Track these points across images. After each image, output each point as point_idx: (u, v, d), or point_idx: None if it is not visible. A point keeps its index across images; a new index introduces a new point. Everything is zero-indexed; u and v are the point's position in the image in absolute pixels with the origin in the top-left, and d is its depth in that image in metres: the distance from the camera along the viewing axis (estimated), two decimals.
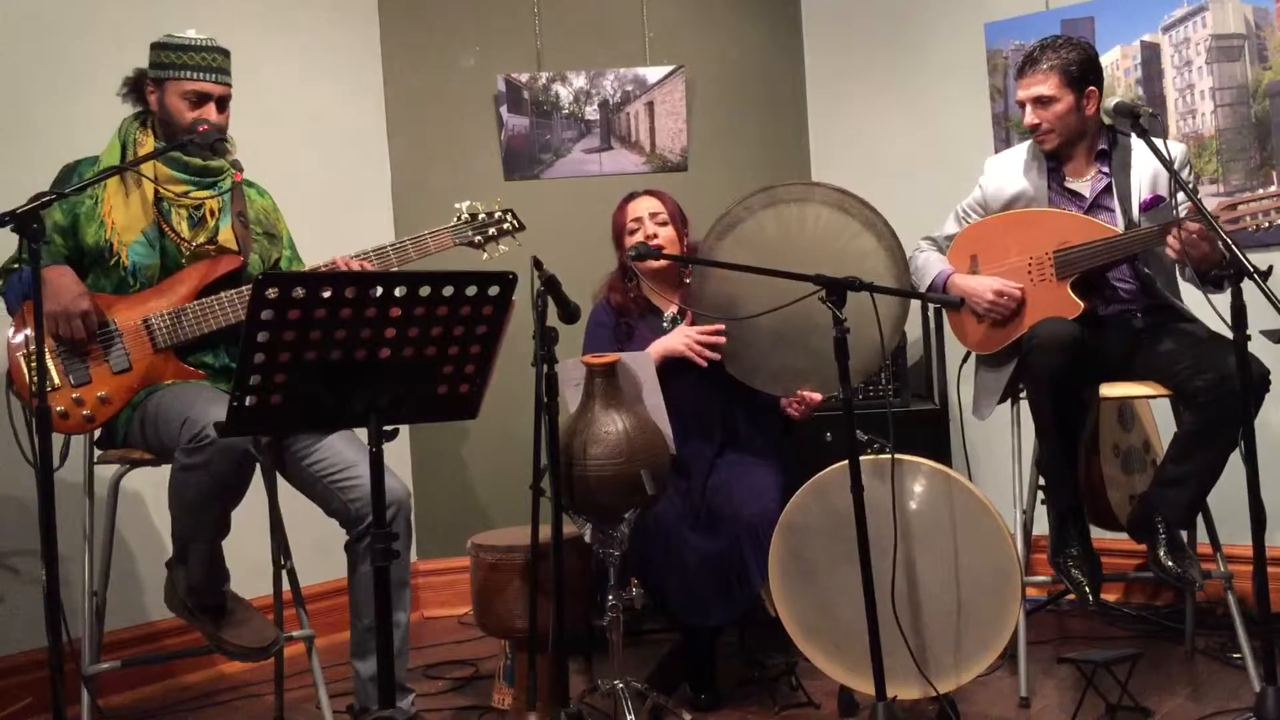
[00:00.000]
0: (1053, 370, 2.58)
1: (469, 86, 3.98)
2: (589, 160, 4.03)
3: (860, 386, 3.51)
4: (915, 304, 3.51)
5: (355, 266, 2.53)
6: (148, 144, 2.54)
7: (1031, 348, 2.60)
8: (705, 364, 2.82)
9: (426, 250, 2.63)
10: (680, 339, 2.84)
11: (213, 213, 2.58)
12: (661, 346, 2.85)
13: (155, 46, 2.55)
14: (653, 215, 3.00)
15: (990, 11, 3.83)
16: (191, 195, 2.55)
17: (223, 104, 2.56)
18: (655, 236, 2.96)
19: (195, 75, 2.51)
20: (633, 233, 3.01)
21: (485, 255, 2.70)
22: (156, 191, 2.52)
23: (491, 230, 2.71)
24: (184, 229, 2.54)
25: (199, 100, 2.52)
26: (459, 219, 2.70)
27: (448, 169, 3.96)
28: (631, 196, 3.08)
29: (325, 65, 3.80)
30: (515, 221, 2.75)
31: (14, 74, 3.02)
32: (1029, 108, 2.78)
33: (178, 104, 2.52)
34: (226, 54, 2.57)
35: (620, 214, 3.07)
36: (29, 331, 2.34)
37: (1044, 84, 2.74)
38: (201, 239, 2.55)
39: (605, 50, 4.05)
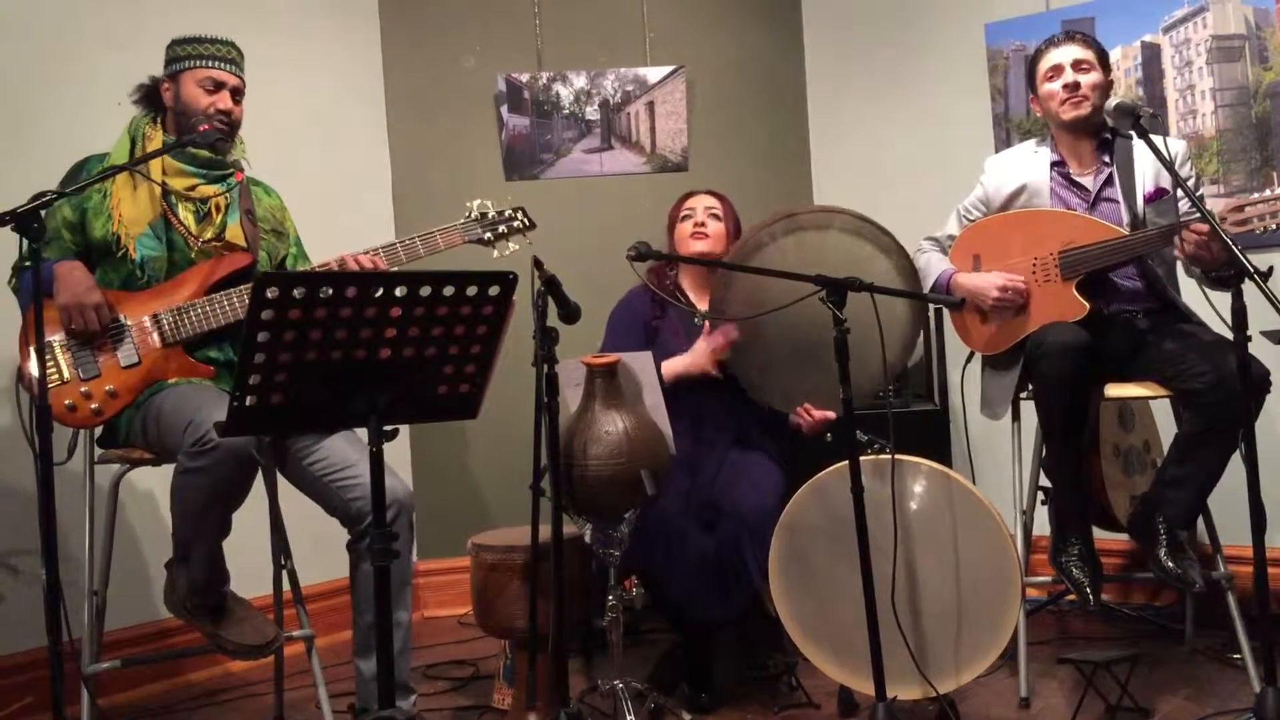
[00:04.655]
0: (1065, 377, 2.57)
1: (469, 86, 3.98)
2: (589, 160, 4.03)
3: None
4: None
5: (366, 261, 2.54)
6: (156, 140, 2.55)
7: (1042, 354, 2.59)
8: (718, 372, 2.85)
9: (436, 247, 2.63)
10: (701, 359, 2.88)
11: (219, 208, 2.59)
12: (679, 366, 2.88)
13: (172, 44, 2.59)
14: (707, 208, 3.09)
15: (990, 12, 3.83)
16: (199, 189, 2.56)
17: (236, 95, 2.60)
18: (704, 225, 3.03)
19: (210, 64, 2.55)
20: (685, 219, 3.09)
21: (495, 253, 2.70)
22: (164, 185, 2.52)
23: (501, 228, 2.71)
24: (191, 223, 2.56)
25: (215, 88, 2.55)
26: (469, 216, 2.70)
27: (448, 169, 3.96)
28: (693, 193, 3.17)
29: (326, 65, 3.80)
30: (526, 220, 2.75)
31: (16, 73, 3.02)
32: (1068, 70, 2.79)
33: (194, 91, 2.55)
34: (240, 51, 2.62)
35: (676, 207, 3.16)
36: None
37: (1084, 51, 2.80)
38: (209, 235, 2.56)
39: (606, 50, 4.04)
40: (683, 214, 3.11)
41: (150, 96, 2.61)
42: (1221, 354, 2.47)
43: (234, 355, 2.56)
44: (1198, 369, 2.51)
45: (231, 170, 2.62)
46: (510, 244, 2.72)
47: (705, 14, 4.16)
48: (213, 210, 2.58)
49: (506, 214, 2.73)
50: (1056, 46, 2.84)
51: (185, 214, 2.55)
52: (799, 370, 2.79)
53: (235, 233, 2.59)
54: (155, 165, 2.52)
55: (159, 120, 2.60)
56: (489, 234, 2.70)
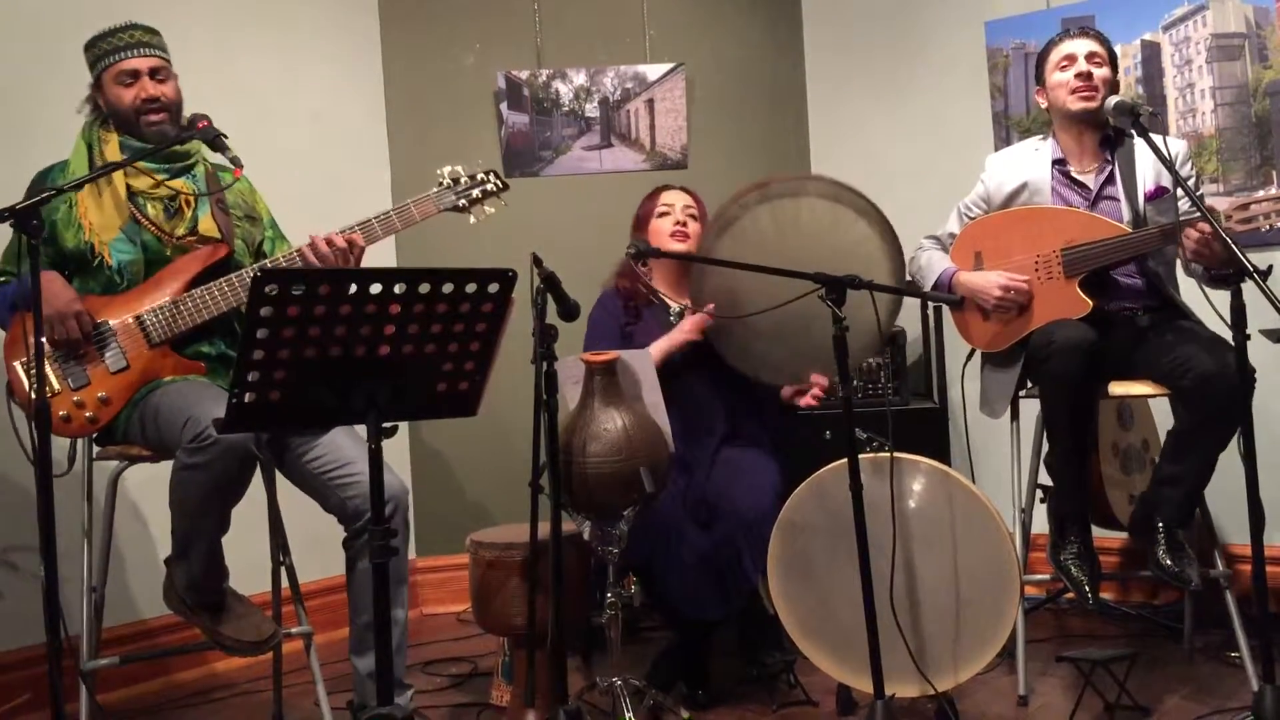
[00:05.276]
0: (1074, 375, 2.57)
1: (469, 83, 3.98)
2: (589, 157, 4.03)
3: (860, 384, 3.51)
4: (916, 300, 3.51)
5: (339, 241, 2.51)
6: (112, 142, 2.51)
7: (1050, 354, 2.58)
8: (701, 337, 2.84)
9: (411, 219, 2.60)
10: (682, 331, 2.86)
11: (189, 202, 2.56)
12: (665, 343, 2.86)
13: (84, 51, 2.54)
14: (686, 208, 3.05)
15: (991, 10, 3.83)
16: (164, 185, 2.53)
17: (157, 76, 2.53)
18: (684, 225, 3.01)
19: (118, 56, 2.50)
20: (662, 216, 3.04)
21: (472, 219, 2.68)
22: (128, 186, 2.50)
23: (475, 192, 2.68)
24: (161, 221, 2.53)
25: (132, 78, 2.50)
26: (441, 184, 2.67)
27: (448, 166, 3.95)
28: (666, 187, 3.12)
29: (325, 62, 3.79)
30: (499, 181, 2.71)
31: (11, 74, 3.01)
32: (1081, 60, 2.78)
33: (115, 90, 2.51)
34: (149, 29, 2.55)
35: (650, 201, 3.11)
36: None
37: (1098, 46, 2.80)
38: (181, 230, 2.54)
39: (605, 48, 4.04)
40: (659, 210, 3.05)
41: (94, 102, 2.57)
42: (1212, 350, 2.48)
43: (225, 349, 2.55)
44: (1187, 365, 2.51)
45: (194, 161, 2.58)
46: (486, 208, 2.69)
47: (705, 12, 4.16)
48: (183, 205, 2.55)
49: (479, 177, 2.70)
50: (1071, 38, 2.84)
51: (154, 212, 2.52)
52: (786, 342, 2.77)
53: (208, 225, 2.56)
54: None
55: (108, 122, 2.55)
56: (463, 200, 2.67)
